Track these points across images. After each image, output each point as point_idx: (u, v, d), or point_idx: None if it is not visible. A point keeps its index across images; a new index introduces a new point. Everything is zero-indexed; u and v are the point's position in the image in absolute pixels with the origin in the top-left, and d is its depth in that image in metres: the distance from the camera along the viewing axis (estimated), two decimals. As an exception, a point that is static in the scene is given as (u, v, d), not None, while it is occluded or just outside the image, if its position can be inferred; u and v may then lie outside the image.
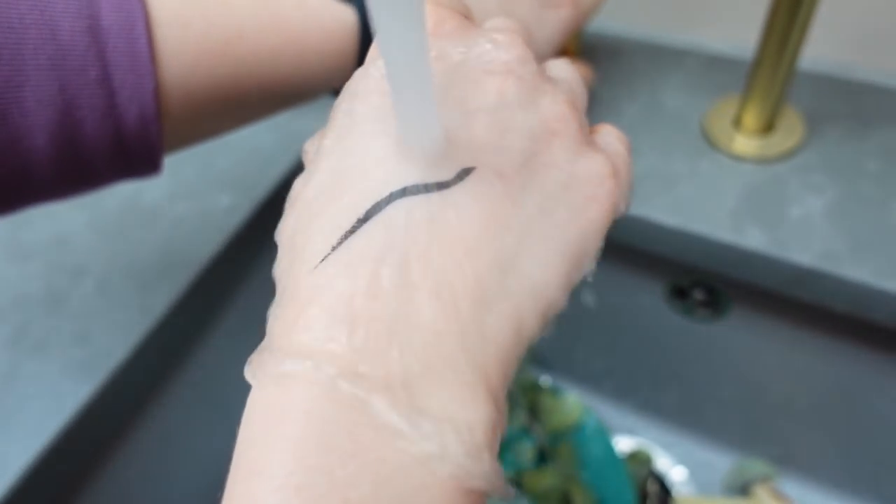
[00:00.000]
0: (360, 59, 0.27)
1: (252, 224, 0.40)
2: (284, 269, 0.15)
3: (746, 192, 0.36)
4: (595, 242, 0.16)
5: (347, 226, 0.14)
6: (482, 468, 0.13)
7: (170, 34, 0.22)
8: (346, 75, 0.26)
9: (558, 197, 0.16)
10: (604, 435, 0.53)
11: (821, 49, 0.40)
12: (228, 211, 0.40)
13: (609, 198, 0.16)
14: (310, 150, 0.18)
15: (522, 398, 0.55)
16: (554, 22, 0.31)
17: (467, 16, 0.18)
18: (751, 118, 0.37)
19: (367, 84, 0.16)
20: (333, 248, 0.14)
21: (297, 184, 0.16)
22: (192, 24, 0.23)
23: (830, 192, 0.35)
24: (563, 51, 0.39)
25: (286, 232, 0.16)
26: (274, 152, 0.43)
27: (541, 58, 0.19)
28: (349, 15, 0.26)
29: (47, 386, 0.34)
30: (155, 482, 0.40)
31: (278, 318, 0.14)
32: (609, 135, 0.18)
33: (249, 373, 0.14)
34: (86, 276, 0.39)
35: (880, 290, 0.31)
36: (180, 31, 0.23)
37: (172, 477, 0.42)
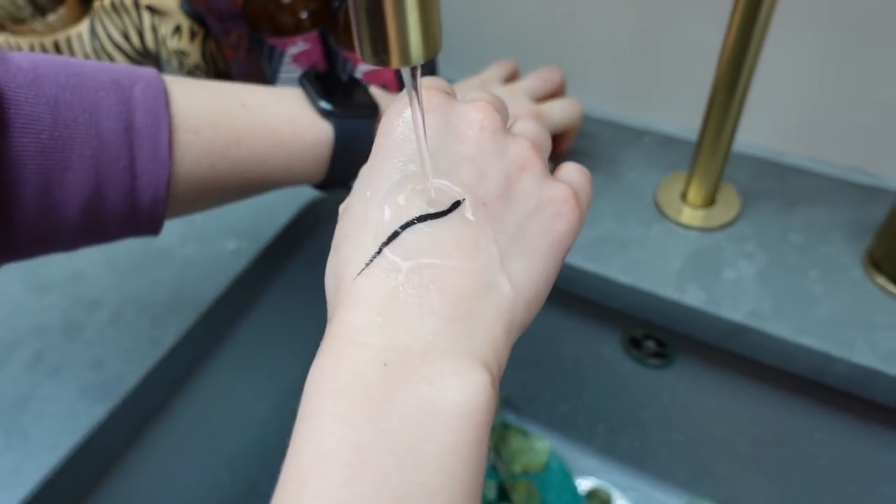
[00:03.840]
0: (332, 165, 0.34)
1: (255, 267, 0.45)
2: (330, 278, 0.21)
3: (690, 257, 0.41)
4: (566, 247, 0.22)
5: (375, 247, 0.20)
6: (477, 417, 0.18)
7: (184, 138, 0.29)
8: (320, 175, 0.34)
9: (532, 216, 0.21)
10: (568, 477, 0.57)
11: (757, 137, 0.47)
12: (234, 255, 0.45)
13: (572, 213, 0.22)
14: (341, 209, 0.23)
15: (490, 439, 0.58)
16: None
17: (450, 93, 0.24)
18: (695, 193, 0.43)
19: (388, 133, 0.22)
20: (366, 265, 0.19)
21: (344, 210, 0.22)
22: (201, 131, 0.29)
23: (760, 260, 0.41)
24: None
25: (334, 251, 0.21)
26: (277, 204, 0.48)
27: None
28: (327, 132, 0.33)
29: (64, 406, 0.38)
30: (159, 495, 0.44)
31: (332, 313, 0.20)
32: (570, 167, 0.24)
33: (313, 365, 0.19)
34: (101, 308, 0.43)
35: (797, 345, 0.37)
36: (192, 136, 0.29)
37: (174, 491, 0.45)
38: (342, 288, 0.20)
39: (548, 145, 0.25)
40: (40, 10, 0.45)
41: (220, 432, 0.47)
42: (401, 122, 0.22)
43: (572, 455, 0.59)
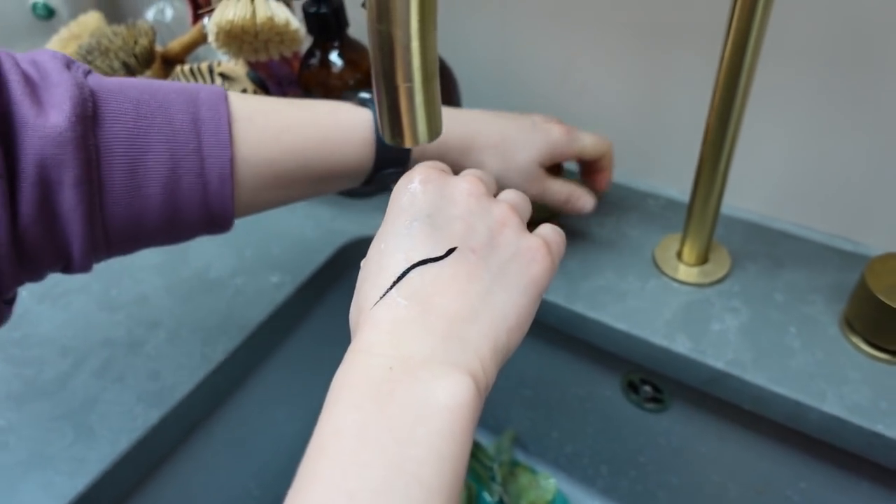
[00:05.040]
0: (377, 147, 0.38)
1: (295, 299, 0.51)
2: (353, 310, 0.27)
3: (680, 309, 0.46)
4: (540, 286, 0.28)
5: (387, 284, 0.26)
6: (462, 413, 0.23)
7: (241, 126, 0.34)
8: (368, 160, 0.38)
9: (511, 260, 0.27)
10: (571, 514, 0.60)
11: (749, 203, 0.52)
12: (277, 287, 0.51)
13: (545, 259, 0.28)
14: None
15: (499, 475, 0.62)
16: (539, 134, 0.43)
17: (445, 171, 0.30)
18: (688, 252, 0.48)
19: (398, 199, 0.29)
20: (381, 297, 0.25)
21: (364, 262, 0.28)
22: (255, 120, 0.35)
23: (744, 315, 0.45)
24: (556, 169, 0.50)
25: (357, 289, 0.28)
26: (316, 244, 0.55)
27: (522, 170, 0.38)
28: (366, 116, 0.38)
29: (124, 409, 0.44)
30: (197, 493, 0.49)
31: (355, 333, 0.26)
32: (547, 227, 0.31)
33: (338, 373, 0.25)
34: (160, 328, 0.49)
35: (772, 393, 0.40)
36: (248, 123, 0.35)
37: (210, 492, 0.50)
38: (362, 316, 0.26)
39: (526, 209, 0.31)
40: (131, 72, 0.54)
41: (253, 445, 0.53)
42: (408, 191, 0.28)
43: (577, 495, 0.62)
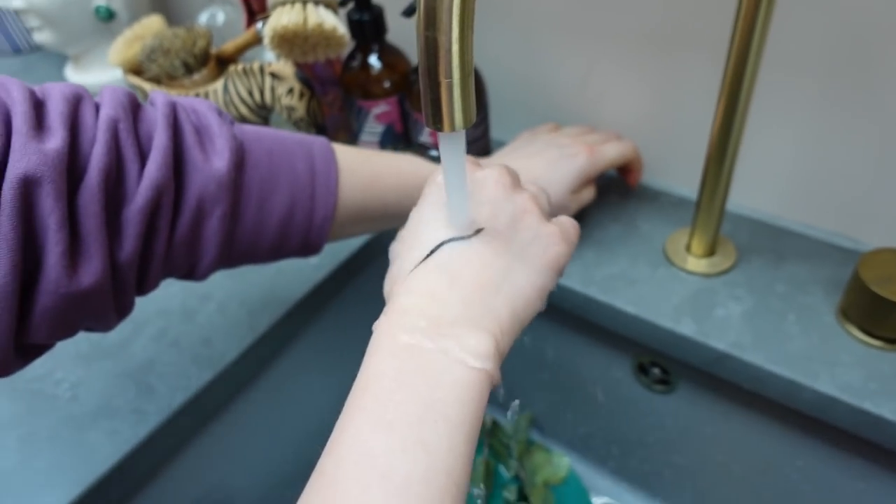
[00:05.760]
0: None
1: (331, 278, 0.56)
2: (388, 279, 0.31)
3: (688, 296, 0.49)
4: (556, 268, 0.32)
5: (421, 258, 0.30)
6: (483, 365, 0.27)
7: (345, 176, 0.40)
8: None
9: (531, 243, 0.31)
10: (584, 493, 0.64)
11: (755, 202, 0.55)
12: (316, 268, 0.56)
13: (561, 244, 0.32)
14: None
15: (516, 451, 0.66)
16: (567, 167, 0.49)
17: (476, 162, 0.35)
18: (696, 245, 0.51)
19: (430, 191, 0.33)
20: (415, 266, 0.30)
21: (400, 236, 0.33)
22: (355, 172, 0.41)
23: (747, 303, 0.48)
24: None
25: (393, 256, 0.32)
26: (352, 230, 0.59)
27: (558, 205, 0.44)
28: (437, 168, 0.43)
29: (179, 370, 0.49)
30: (246, 443, 0.54)
31: (389, 301, 0.30)
32: (564, 218, 0.35)
33: (375, 327, 0.29)
34: (211, 300, 0.54)
35: (769, 372, 0.44)
36: (349, 175, 0.40)
37: (260, 440, 0.55)
38: (396, 284, 0.30)
39: (545, 200, 0.35)
40: (189, 70, 0.59)
41: (290, 410, 0.58)
42: (435, 185, 0.33)
43: (589, 474, 0.66)
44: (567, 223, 0.34)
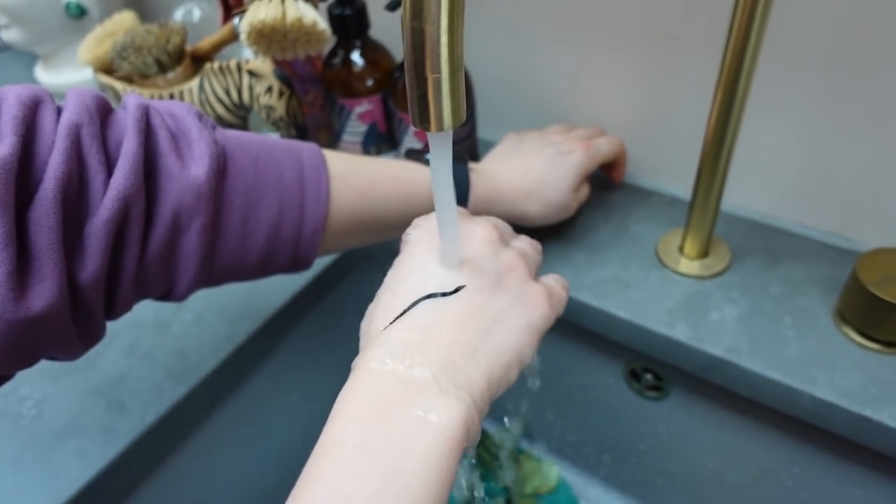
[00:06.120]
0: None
1: (312, 286, 0.54)
2: (364, 327, 0.29)
3: (681, 299, 0.48)
4: (537, 331, 0.30)
5: (398, 311, 0.28)
6: (453, 433, 0.25)
7: (336, 184, 0.38)
8: (430, 208, 0.41)
9: (514, 304, 0.30)
10: (574, 502, 0.62)
11: (749, 201, 0.54)
12: (296, 275, 0.54)
13: (544, 307, 0.30)
14: (404, 237, 0.32)
15: (507, 462, 0.64)
16: (566, 165, 0.47)
17: (465, 216, 0.34)
18: (690, 246, 0.50)
19: (419, 235, 0.32)
20: (390, 323, 0.28)
21: (381, 289, 0.31)
22: (347, 179, 0.39)
23: (742, 306, 0.47)
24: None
25: (370, 311, 0.30)
26: (334, 235, 0.57)
27: (560, 206, 0.45)
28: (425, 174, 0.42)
29: (152, 385, 0.46)
30: (225, 460, 0.52)
31: (363, 351, 0.28)
32: (553, 277, 0.33)
33: (353, 367, 0.27)
34: (186, 310, 0.52)
35: (766, 378, 0.43)
36: (341, 182, 0.38)
37: (239, 456, 0.53)
38: (373, 334, 0.28)
39: (535, 259, 0.34)
40: (163, 69, 0.57)
41: (270, 424, 0.55)
42: (410, 245, 0.32)
43: (580, 483, 0.64)
44: (556, 285, 0.33)
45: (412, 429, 0.24)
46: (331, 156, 0.39)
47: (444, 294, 0.29)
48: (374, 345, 0.27)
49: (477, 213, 0.42)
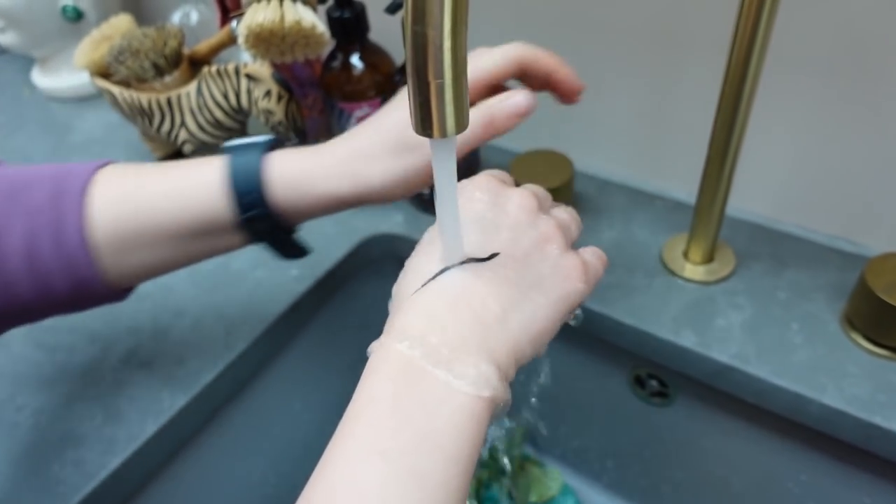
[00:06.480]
0: (236, 200, 0.35)
1: (313, 291, 0.53)
2: (395, 290, 0.29)
3: (687, 305, 0.47)
4: (570, 303, 0.29)
5: (430, 275, 0.28)
6: (484, 394, 0.25)
7: (98, 190, 0.35)
8: (218, 206, 0.35)
9: (547, 275, 0.29)
10: (577, 507, 0.61)
11: (754, 205, 0.53)
12: (296, 280, 0.53)
13: (579, 280, 0.30)
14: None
15: (510, 468, 0.64)
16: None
17: (505, 181, 0.32)
18: (695, 251, 0.49)
19: (429, 235, 0.31)
20: (416, 291, 0.27)
21: (415, 250, 0.30)
22: (111, 181, 0.36)
23: (748, 311, 0.46)
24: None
25: (402, 273, 0.30)
26: (335, 240, 0.57)
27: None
28: (217, 162, 0.36)
29: (151, 393, 0.46)
30: (226, 469, 0.51)
31: (392, 315, 0.28)
32: (591, 251, 0.33)
33: (371, 349, 0.26)
34: (185, 316, 0.51)
35: (774, 385, 0.42)
36: (104, 188, 0.35)
37: (240, 465, 0.52)
38: (404, 300, 0.28)
39: (575, 230, 0.33)
40: (160, 73, 0.56)
41: (271, 432, 0.55)
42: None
43: (584, 490, 0.64)
44: (593, 259, 0.32)
45: (442, 392, 0.24)
46: (114, 166, 0.36)
47: (476, 260, 0.28)
48: (405, 307, 0.27)
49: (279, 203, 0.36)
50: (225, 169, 0.35)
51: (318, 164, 0.36)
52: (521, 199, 0.31)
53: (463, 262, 0.28)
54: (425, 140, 0.24)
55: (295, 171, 0.36)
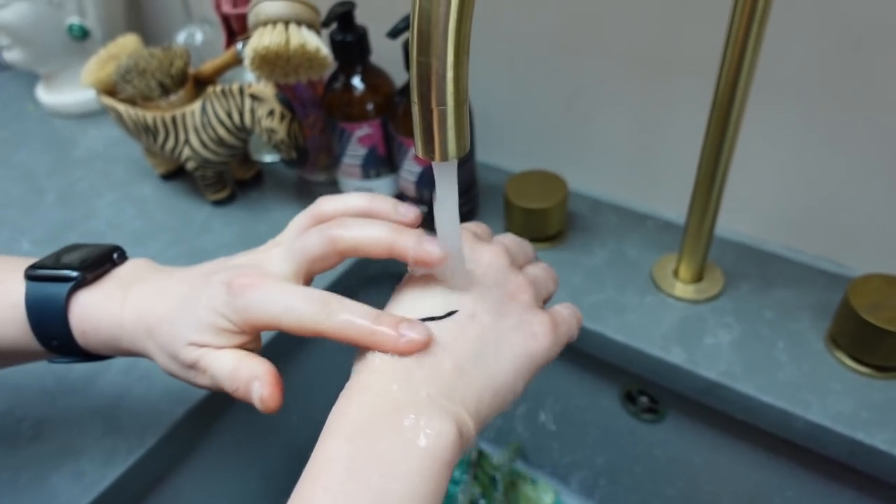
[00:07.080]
0: (34, 328, 0.33)
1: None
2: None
3: (676, 323, 0.49)
4: (535, 362, 0.29)
5: None
6: (442, 454, 0.25)
7: None
8: (28, 338, 0.34)
9: (513, 332, 0.29)
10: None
11: (742, 226, 0.55)
12: (295, 295, 0.54)
13: (546, 338, 0.29)
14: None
15: (501, 484, 0.64)
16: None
17: (479, 235, 0.33)
18: (684, 270, 0.51)
19: (404, 284, 0.31)
20: None
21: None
22: None
23: (736, 330, 0.48)
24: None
25: None
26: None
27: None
28: (20, 293, 0.33)
29: (151, 405, 0.46)
30: (221, 481, 0.52)
31: (354, 373, 0.28)
32: (565, 306, 0.33)
33: (333, 407, 0.27)
34: (185, 330, 0.52)
35: (761, 402, 0.43)
36: None
37: (236, 477, 0.53)
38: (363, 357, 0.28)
39: (546, 286, 0.33)
40: (166, 92, 0.58)
41: (270, 442, 0.55)
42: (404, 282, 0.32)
43: (575, 505, 0.64)
44: (564, 314, 0.32)
45: (401, 449, 0.24)
46: None
47: (435, 318, 0.29)
48: (363, 366, 0.27)
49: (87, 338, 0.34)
50: (23, 305, 0.33)
51: (118, 325, 0.33)
52: (492, 257, 0.31)
53: (424, 320, 0.28)
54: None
55: (96, 321, 0.33)
